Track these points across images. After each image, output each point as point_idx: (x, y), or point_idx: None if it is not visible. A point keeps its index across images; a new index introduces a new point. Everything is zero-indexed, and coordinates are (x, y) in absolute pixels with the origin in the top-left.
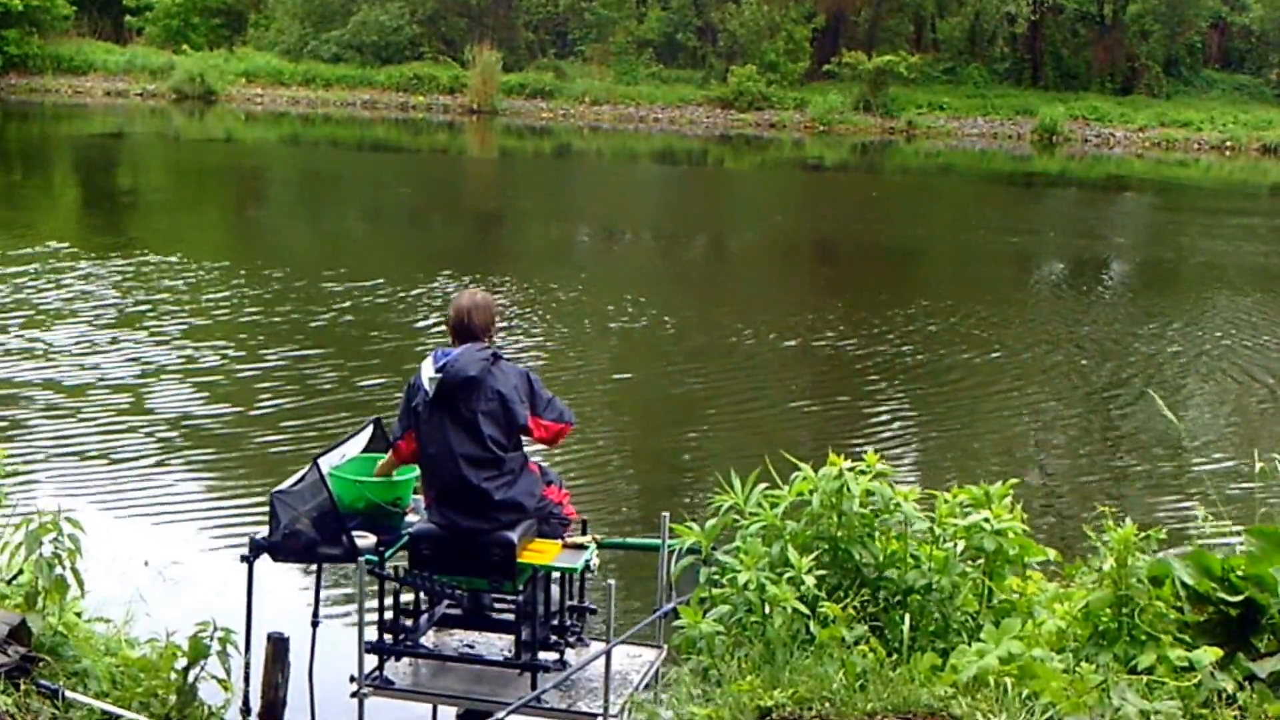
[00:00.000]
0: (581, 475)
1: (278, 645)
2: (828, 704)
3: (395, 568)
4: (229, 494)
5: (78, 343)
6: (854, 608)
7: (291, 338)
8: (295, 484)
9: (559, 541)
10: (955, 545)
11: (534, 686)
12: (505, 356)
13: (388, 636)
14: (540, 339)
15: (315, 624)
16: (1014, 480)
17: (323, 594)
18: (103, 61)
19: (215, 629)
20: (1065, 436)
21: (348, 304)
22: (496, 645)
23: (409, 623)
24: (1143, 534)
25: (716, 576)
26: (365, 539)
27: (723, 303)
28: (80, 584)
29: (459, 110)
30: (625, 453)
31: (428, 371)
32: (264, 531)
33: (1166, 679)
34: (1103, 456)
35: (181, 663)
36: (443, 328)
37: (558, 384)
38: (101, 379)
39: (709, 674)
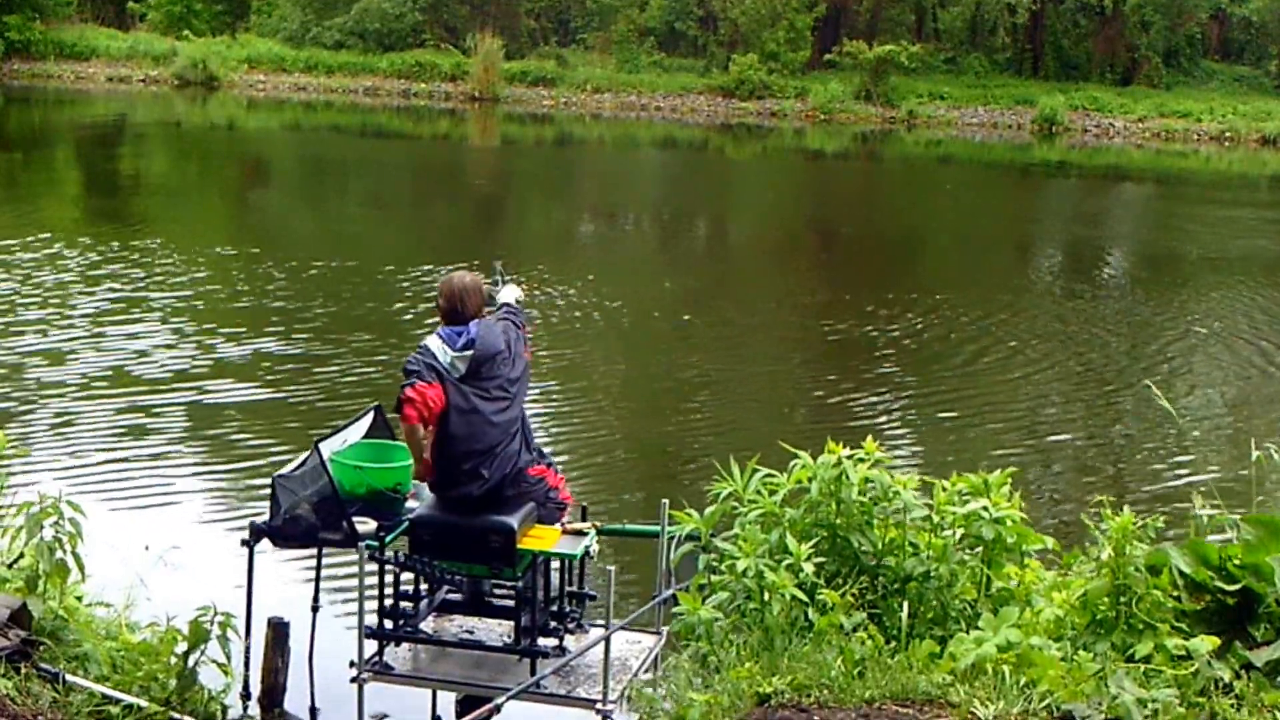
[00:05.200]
0: (582, 462)
1: (278, 630)
2: (826, 691)
3: (395, 553)
4: (230, 478)
5: (79, 327)
6: (852, 595)
7: (293, 322)
8: (297, 469)
9: (558, 528)
10: (954, 533)
11: (533, 672)
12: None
13: (388, 622)
14: (540, 326)
15: (315, 609)
16: (1012, 469)
17: (323, 579)
18: (105, 47)
19: (216, 614)
20: (1063, 425)
21: (349, 289)
22: (496, 631)
23: (409, 608)
24: (1140, 523)
25: (716, 563)
26: (366, 524)
27: (723, 290)
28: (81, 568)
29: (461, 98)
30: (625, 439)
31: (445, 353)
32: (264, 516)
33: (1164, 667)
34: (1101, 445)
35: (182, 647)
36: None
37: (558, 372)
38: (102, 363)
39: (708, 660)
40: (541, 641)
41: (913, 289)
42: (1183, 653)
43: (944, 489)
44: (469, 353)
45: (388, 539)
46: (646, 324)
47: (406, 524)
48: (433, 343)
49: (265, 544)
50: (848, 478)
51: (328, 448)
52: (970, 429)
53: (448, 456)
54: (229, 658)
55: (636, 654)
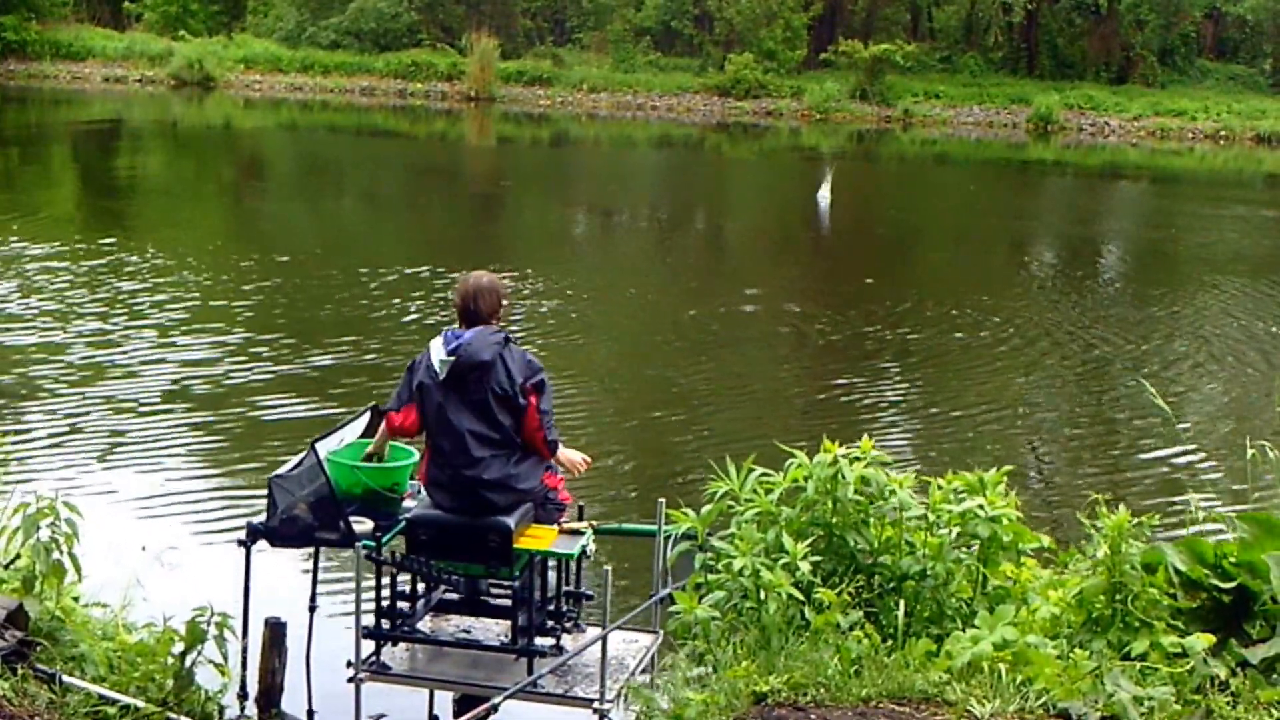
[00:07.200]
0: None
1: (275, 630)
2: (823, 690)
3: (392, 553)
4: (226, 479)
5: (75, 328)
6: (849, 594)
7: (289, 323)
8: (293, 469)
9: (555, 527)
10: (950, 532)
11: (530, 672)
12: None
13: (384, 622)
14: (537, 325)
15: (312, 609)
16: (1008, 467)
17: (320, 579)
18: (101, 48)
19: (212, 614)
20: (1059, 423)
21: (345, 290)
22: (493, 630)
23: (406, 608)
24: (1136, 521)
25: (712, 562)
26: (362, 524)
27: (719, 288)
28: (78, 569)
29: (457, 97)
30: (622, 439)
31: (438, 353)
32: (261, 516)
33: (1160, 665)
34: (1096, 443)
35: (179, 648)
36: (442, 314)
37: (555, 370)
38: (99, 364)
39: (704, 659)
40: (538, 641)
41: (908, 287)
42: (1178, 650)
43: (940, 487)
44: (452, 359)
45: (385, 539)
46: (642, 323)
47: (403, 524)
48: (434, 341)
49: (262, 544)
50: (843, 476)
51: (324, 447)
52: (966, 427)
53: (436, 465)
54: (226, 658)
55: (633, 653)
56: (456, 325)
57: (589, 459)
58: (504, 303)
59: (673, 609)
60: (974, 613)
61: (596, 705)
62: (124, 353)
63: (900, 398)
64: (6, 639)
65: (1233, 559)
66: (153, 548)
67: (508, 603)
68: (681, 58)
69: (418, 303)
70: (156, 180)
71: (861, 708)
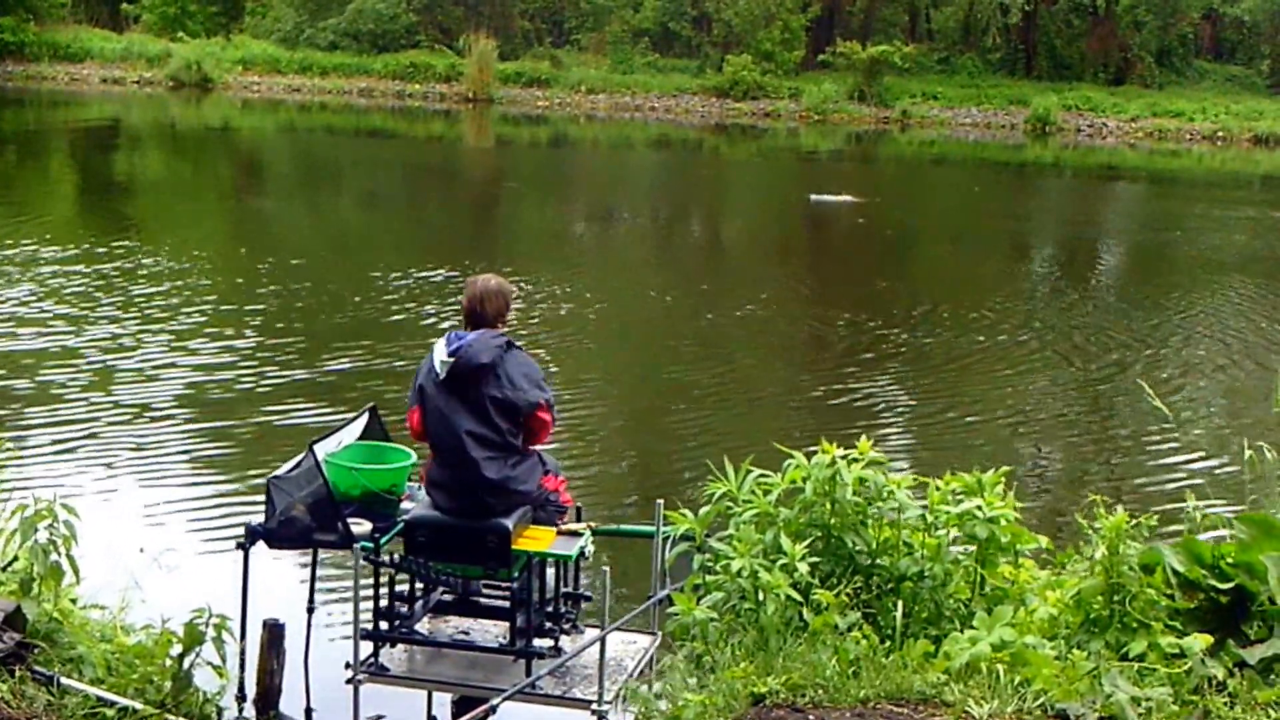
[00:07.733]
0: (576, 462)
1: (273, 632)
2: (821, 691)
3: (390, 554)
4: (224, 480)
5: (73, 330)
6: (847, 595)
7: (288, 325)
8: (291, 470)
9: (554, 528)
10: (948, 533)
11: (528, 673)
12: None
13: (383, 623)
14: (536, 327)
15: (310, 610)
16: (1006, 468)
17: (318, 581)
18: (99, 49)
19: (210, 616)
20: (1057, 424)
21: (345, 292)
22: (491, 632)
23: (404, 609)
24: (1134, 521)
25: (710, 564)
26: (361, 525)
27: (717, 290)
28: (75, 571)
29: (455, 99)
30: (620, 440)
31: (440, 354)
32: (259, 518)
33: (1157, 666)
34: (1094, 444)
35: (177, 649)
36: (442, 316)
37: (553, 371)
38: (97, 366)
39: (703, 661)
40: (537, 642)
41: (906, 288)
42: (1176, 651)
43: (938, 488)
44: (452, 360)
45: (383, 540)
46: (640, 324)
47: (401, 525)
48: (438, 342)
49: (260, 546)
50: (842, 478)
51: (323, 449)
52: (964, 428)
53: (435, 466)
54: (224, 660)
55: (632, 654)
56: (463, 327)
57: None
58: (510, 306)
59: (671, 610)
60: (972, 613)
61: (595, 706)
62: (121, 352)
63: (898, 399)
64: (4, 641)
65: (1230, 560)
66: (151, 549)
67: (506, 604)
68: (679, 59)
69: (429, 306)
70: (158, 182)
71: (859, 709)
